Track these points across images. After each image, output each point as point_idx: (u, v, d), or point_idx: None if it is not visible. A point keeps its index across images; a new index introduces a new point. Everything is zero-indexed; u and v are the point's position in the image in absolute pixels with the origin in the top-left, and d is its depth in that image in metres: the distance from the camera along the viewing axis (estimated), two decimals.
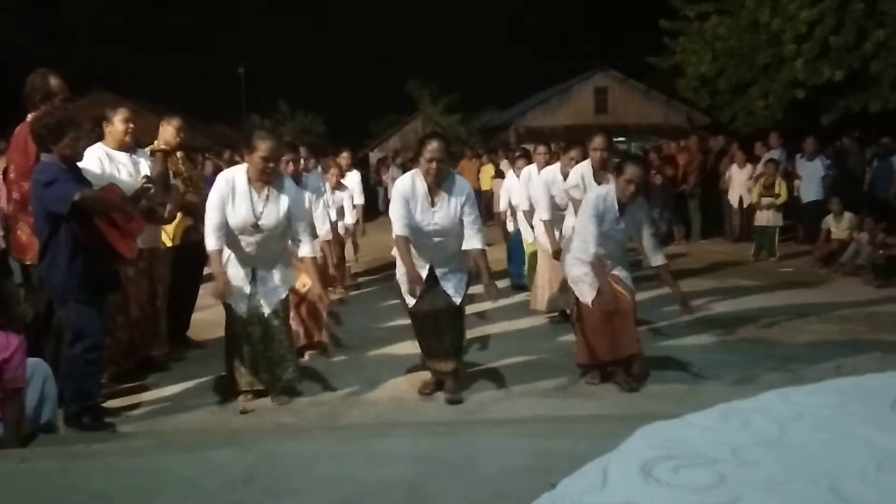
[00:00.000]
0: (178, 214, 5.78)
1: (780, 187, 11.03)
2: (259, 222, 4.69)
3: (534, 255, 7.38)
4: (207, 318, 6.67)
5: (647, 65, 17.38)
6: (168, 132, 5.92)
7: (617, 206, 5.05)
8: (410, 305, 4.94)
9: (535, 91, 36.54)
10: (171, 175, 5.83)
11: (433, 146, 4.67)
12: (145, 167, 5.39)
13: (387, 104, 40.29)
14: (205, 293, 6.42)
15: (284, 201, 4.78)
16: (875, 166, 11.74)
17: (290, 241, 4.97)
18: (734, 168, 12.46)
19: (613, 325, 5.01)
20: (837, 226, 10.19)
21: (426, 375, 5.16)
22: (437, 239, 4.82)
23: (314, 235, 5.72)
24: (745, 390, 4.68)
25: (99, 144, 5.26)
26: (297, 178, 5.85)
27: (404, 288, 4.94)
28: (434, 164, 4.64)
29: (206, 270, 6.27)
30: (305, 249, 4.92)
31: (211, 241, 4.68)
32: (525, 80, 39.63)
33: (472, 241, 4.84)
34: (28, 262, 5.00)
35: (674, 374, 5.35)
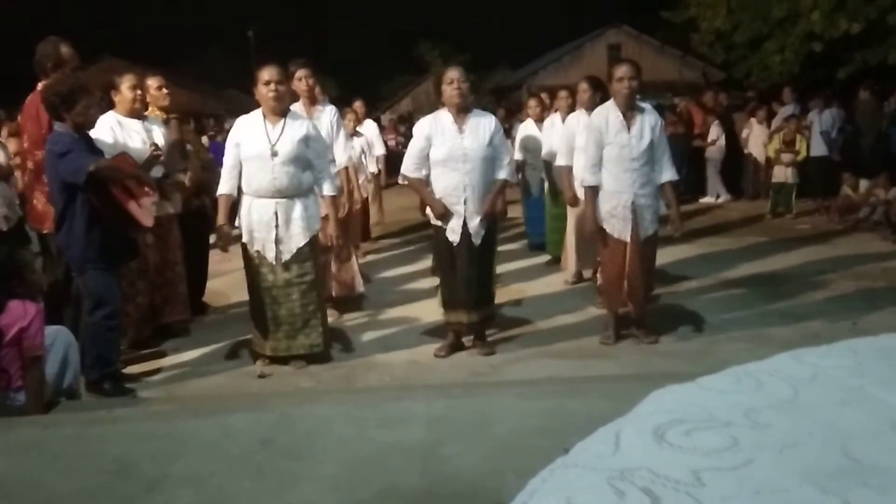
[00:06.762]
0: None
1: (801, 143, 10.88)
2: (275, 148, 4.67)
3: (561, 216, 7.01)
4: (225, 285, 6.72)
5: (661, 20, 17.08)
6: (155, 96, 5.69)
7: (621, 116, 4.94)
8: (444, 231, 4.89)
9: (548, 50, 36.10)
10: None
11: (454, 73, 4.83)
12: (158, 134, 5.35)
13: (398, 66, 40.02)
14: (217, 260, 6.45)
15: (300, 128, 4.78)
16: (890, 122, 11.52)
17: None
18: (754, 124, 12.26)
19: (628, 267, 5.02)
20: (856, 194, 10.08)
21: (442, 338, 5.18)
22: (468, 165, 4.81)
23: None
24: (761, 348, 4.73)
25: (110, 113, 5.21)
26: (313, 100, 5.76)
27: (433, 216, 4.96)
28: (456, 85, 4.76)
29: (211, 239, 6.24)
30: (327, 187, 4.96)
31: (223, 184, 4.80)
32: (537, 39, 39.17)
33: (500, 172, 4.96)
34: (45, 232, 5.03)
35: (689, 333, 5.36)
